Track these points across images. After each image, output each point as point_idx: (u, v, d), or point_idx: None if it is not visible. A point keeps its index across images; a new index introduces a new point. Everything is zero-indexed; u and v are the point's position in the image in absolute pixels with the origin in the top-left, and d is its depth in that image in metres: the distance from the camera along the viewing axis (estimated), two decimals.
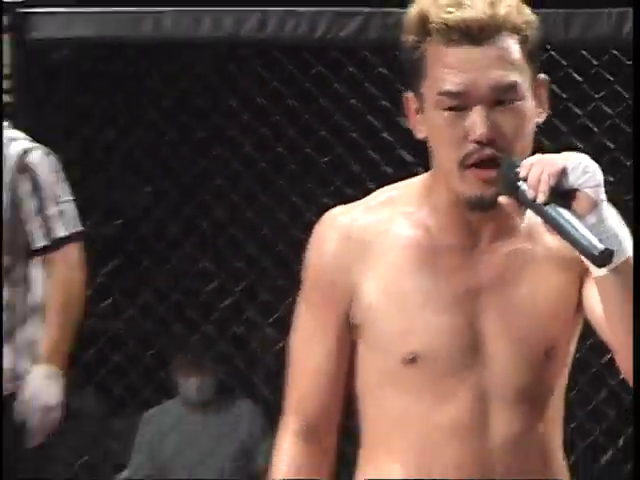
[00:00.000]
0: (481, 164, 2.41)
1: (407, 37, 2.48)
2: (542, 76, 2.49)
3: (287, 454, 2.67)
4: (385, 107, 5.91)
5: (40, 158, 5.02)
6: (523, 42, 2.47)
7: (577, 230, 2.31)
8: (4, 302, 4.96)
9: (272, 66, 6.06)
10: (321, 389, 2.69)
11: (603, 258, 2.29)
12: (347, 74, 5.91)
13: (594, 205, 2.32)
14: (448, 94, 2.43)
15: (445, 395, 2.57)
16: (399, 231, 2.62)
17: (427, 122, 2.51)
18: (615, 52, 5.75)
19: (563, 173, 2.33)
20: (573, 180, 2.32)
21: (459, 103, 2.43)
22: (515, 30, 2.44)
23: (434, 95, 2.44)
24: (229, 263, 6.51)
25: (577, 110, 5.89)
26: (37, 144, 5.04)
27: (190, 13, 5.85)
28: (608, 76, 5.91)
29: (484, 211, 2.50)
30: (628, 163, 5.82)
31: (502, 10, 2.43)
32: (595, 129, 5.97)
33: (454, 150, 2.45)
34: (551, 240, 2.51)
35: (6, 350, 5.01)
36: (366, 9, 5.70)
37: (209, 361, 6.98)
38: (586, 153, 2.33)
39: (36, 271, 5.07)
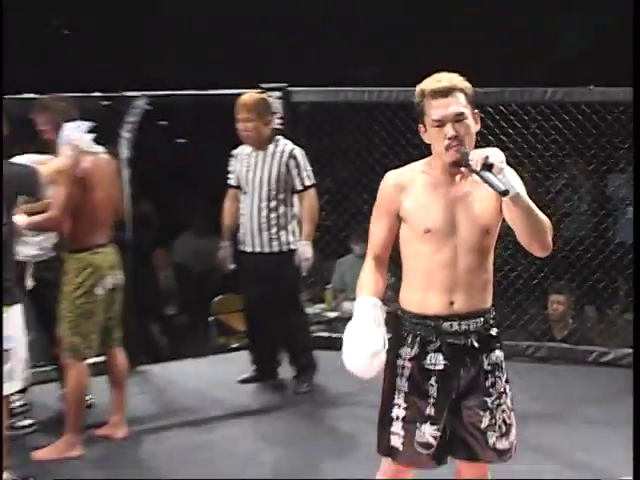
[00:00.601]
0: (452, 149, 2.66)
1: (416, 98, 2.75)
2: (476, 110, 2.76)
3: (366, 270, 2.85)
4: None
5: (298, 151, 5.19)
6: (466, 95, 2.71)
7: (493, 181, 2.57)
8: (282, 212, 5.13)
9: None
10: (381, 243, 2.84)
11: (504, 193, 2.56)
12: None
13: (501, 170, 2.58)
14: (436, 120, 2.69)
15: (439, 248, 2.75)
16: (419, 178, 2.79)
17: (429, 134, 2.74)
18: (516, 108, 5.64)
19: (487, 157, 2.57)
20: (491, 160, 2.57)
21: (440, 124, 2.68)
22: (462, 91, 2.71)
23: (430, 121, 2.71)
24: (351, 197, 6.57)
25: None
26: (297, 146, 5.22)
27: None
28: (525, 117, 5.70)
29: (455, 168, 2.72)
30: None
31: (455, 82, 2.71)
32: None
33: (441, 143, 2.69)
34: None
35: (284, 232, 5.12)
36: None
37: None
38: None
39: (295, 200, 5.20)
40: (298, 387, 5.33)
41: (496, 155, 2.59)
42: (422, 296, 2.79)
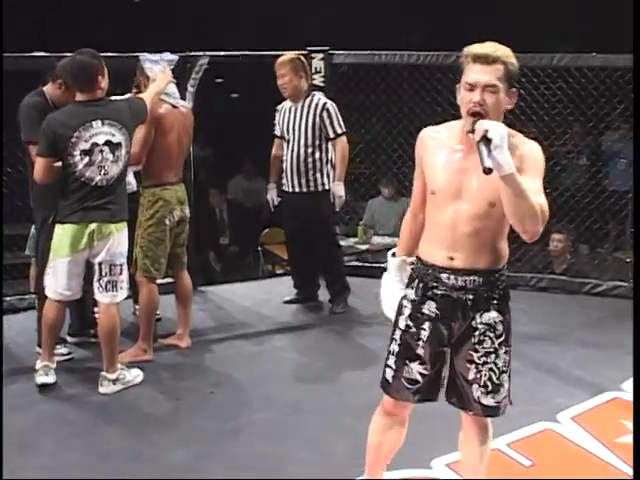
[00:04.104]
0: (473, 115, 2.45)
1: (461, 60, 2.51)
2: (513, 89, 2.50)
3: (403, 225, 2.83)
4: None
5: (330, 104, 5.13)
6: (505, 69, 2.45)
7: (483, 155, 2.33)
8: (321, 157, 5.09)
9: None
10: (417, 197, 2.74)
11: (486, 170, 2.32)
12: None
13: (497, 147, 2.30)
14: (468, 83, 2.47)
15: (444, 210, 2.58)
16: (443, 139, 2.60)
17: (461, 96, 2.51)
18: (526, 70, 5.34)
19: (487, 130, 2.33)
20: (490, 134, 2.32)
21: (471, 87, 2.46)
22: (503, 63, 2.45)
23: (464, 83, 2.49)
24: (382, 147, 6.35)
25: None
26: (329, 100, 5.18)
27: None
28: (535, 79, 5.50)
29: (470, 136, 2.45)
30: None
31: (499, 54, 2.46)
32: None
33: (466, 106, 2.48)
34: None
35: (319, 175, 5.08)
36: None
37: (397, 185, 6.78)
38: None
39: (330, 147, 5.11)
40: (334, 308, 5.33)
41: (498, 131, 2.34)
42: (429, 247, 2.64)
